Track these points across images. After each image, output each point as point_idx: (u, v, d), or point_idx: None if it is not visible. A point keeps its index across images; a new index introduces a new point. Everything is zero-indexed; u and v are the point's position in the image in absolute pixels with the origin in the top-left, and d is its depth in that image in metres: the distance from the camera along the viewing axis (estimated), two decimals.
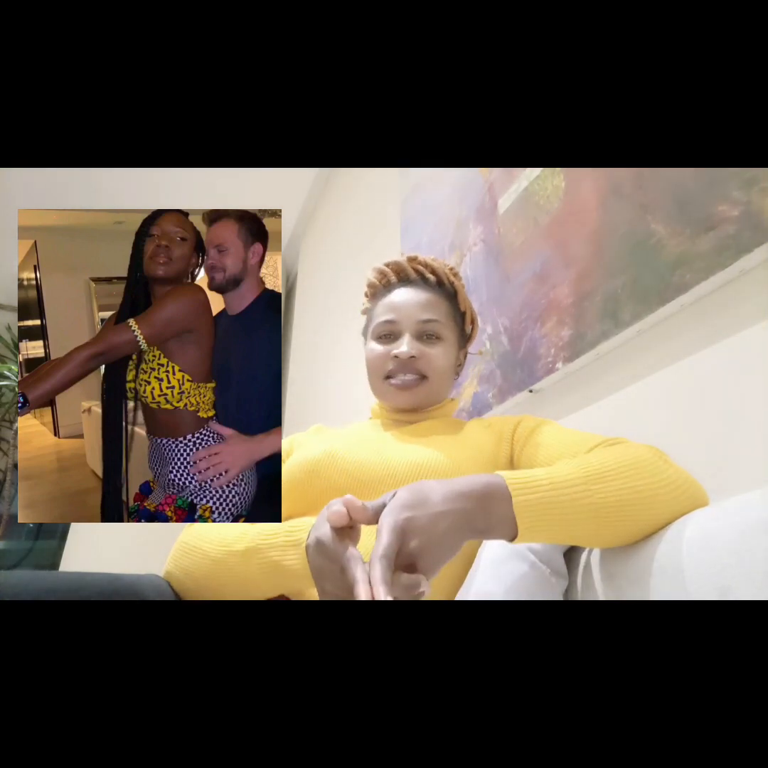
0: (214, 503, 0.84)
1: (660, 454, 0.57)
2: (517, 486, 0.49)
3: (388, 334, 0.84)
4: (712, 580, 0.43)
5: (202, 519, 0.83)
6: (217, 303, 0.89)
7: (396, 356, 0.81)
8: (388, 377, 0.82)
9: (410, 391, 0.81)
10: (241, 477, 0.85)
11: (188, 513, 0.83)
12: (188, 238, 0.85)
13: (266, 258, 0.90)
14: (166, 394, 0.83)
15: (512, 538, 0.48)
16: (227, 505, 0.84)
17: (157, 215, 0.84)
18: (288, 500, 0.73)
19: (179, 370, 0.83)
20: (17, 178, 2.82)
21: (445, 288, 0.87)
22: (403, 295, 0.85)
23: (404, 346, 0.81)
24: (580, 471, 0.52)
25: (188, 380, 0.84)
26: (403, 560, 0.44)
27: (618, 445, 0.60)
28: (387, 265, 0.90)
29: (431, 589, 0.45)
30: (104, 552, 2.44)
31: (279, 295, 0.91)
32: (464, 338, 0.91)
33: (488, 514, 0.47)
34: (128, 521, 0.85)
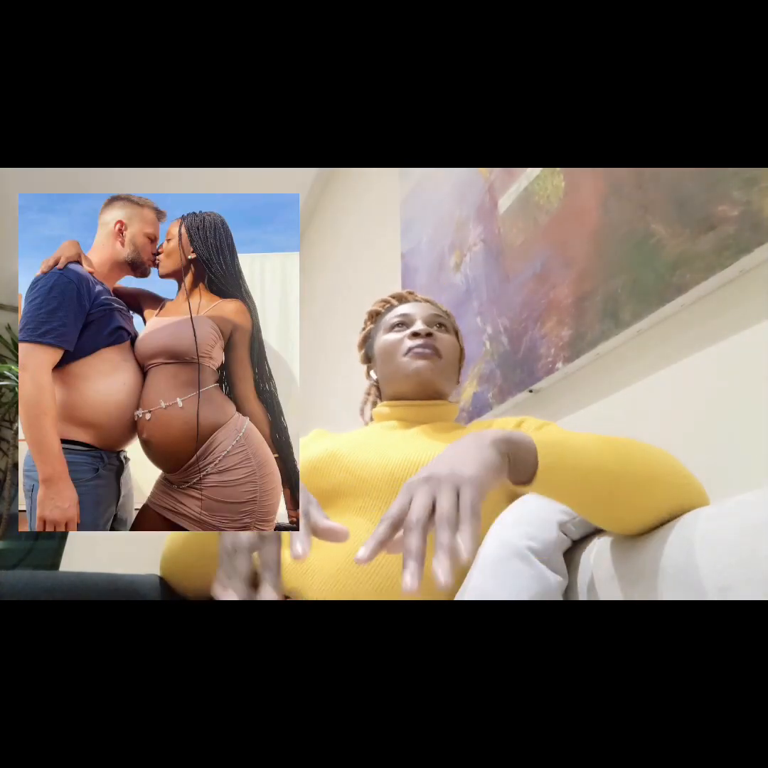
0: None
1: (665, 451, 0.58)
2: (531, 435, 0.49)
3: (401, 324, 0.89)
4: (712, 580, 0.43)
5: None
6: None
7: (415, 333, 0.86)
8: (407, 353, 0.85)
9: (428, 360, 0.84)
10: None
11: None
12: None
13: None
14: None
15: (531, 475, 0.47)
16: None
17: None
18: None
19: None
20: (17, 178, 2.82)
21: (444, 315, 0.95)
22: (411, 305, 0.92)
23: (420, 325, 0.87)
24: (594, 437, 0.52)
25: None
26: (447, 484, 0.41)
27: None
28: (390, 296, 0.99)
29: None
30: (104, 552, 2.44)
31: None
32: (459, 362, 0.95)
33: (508, 433, 0.47)
34: None
